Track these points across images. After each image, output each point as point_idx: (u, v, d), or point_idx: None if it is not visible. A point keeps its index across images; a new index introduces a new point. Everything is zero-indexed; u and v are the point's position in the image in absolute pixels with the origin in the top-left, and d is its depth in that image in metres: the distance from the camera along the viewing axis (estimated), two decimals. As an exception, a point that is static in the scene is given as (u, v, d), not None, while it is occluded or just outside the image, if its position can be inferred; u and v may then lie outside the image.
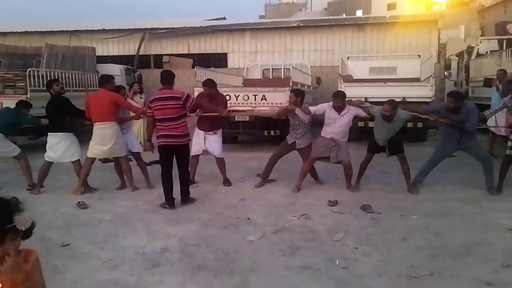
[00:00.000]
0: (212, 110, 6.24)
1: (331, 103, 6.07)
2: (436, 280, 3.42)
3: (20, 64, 11.90)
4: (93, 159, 6.32)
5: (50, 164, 6.28)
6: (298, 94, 6.32)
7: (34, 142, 9.41)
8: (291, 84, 9.22)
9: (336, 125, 6.04)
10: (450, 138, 5.90)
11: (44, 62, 11.23)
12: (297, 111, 6.07)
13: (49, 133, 6.22)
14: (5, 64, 11.76)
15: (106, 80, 6.31)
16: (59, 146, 6.14)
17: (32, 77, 9.73)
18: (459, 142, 5.85)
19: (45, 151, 6.26)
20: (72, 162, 6.23)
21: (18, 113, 6.52)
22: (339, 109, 6.02)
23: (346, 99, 6.13)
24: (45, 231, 4.55)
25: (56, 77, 10.39)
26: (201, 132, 6.47)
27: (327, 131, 6.13)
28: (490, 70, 10.87)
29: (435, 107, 6.38)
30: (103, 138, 6.09)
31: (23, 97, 8.87)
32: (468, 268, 3.61)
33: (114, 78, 6.73)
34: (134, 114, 6.55)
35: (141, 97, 9.76)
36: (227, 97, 9.30)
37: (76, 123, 6.97)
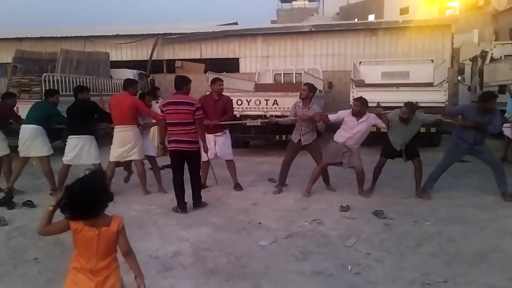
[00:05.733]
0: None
1: (351, 109, 6.05)
2: (450, 287, 3.39)
3: (35, 69, 12.06)
4: (116, 163, 6.38)
5: (69, 166, 6.35)
6: (312, 89, 6.34)
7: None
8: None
9: (353, 131, 5.98)
10: (462, 143, 5.83)
11: (59, 67, 11.40)
12: (320, 124, 6.13)
13: (71, 136, 6.26)
14: (20, 69, 11.93)
15: (130, 84, 6.37)
16: (81, 149, 6.21)
17: (47, 82, 9.86)
18: (470, 148, 5.79)
19: (59, 156, 6.34)
20: (94, 165, 6.31)
21: (49, 104, 6.55)
22: (357, 114, 5.98)
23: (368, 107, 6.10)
24: (60, 234, 4.59)
25: (71, 82, 10.58)
26: (210, 136, 6.46)
27: (342, 135, 6.08)
28: (504, 75, 10.75)
29: (460, 108, 6.31)
30: (123, 140, 6.19)
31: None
32: (483, 275, 3.57)
33: (138, 82, 6.80)
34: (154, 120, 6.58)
35: (156, 102, 9.67)
36: (239, 102, 9.42)
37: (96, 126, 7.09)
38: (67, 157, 6.28)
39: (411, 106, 5.81)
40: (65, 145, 6.35)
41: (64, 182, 6.37)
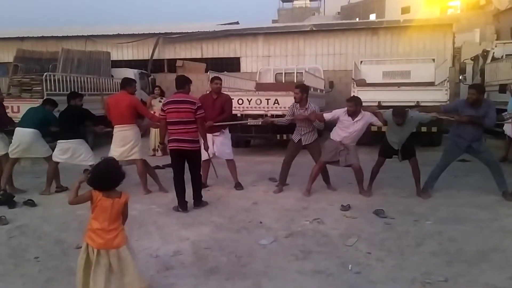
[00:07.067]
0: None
1: (346, 108, 6.05)
2: (450, 286, 3.38)
3: (36, 68, 12.05)
4: None
5: (57, 163, 6.41)
6: (304, 91, 6.32)
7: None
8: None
9: (349, 130, 5.98)
10: (460, 141, 5.82)
11: (60, 66, 11.41)
12: (316, 123, 6.14)
13: (61, 141, 6.31)
14: (22, 69, 11.93)
15: (127, 83, 6.38)
16: (72, 153, 6.28)
17: (48, 81, 9.88)
18: (468, 146, 5.79)
19: None
20: (90, 165, 6.31)
21: (46, 110, 6.59)
22: (352, 114, 5.97)
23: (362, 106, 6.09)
24: (61, 233, 4.62)
25: (72, 81, 10.59)
26: (209, 135, 6.40)
27: (338, 134, 6.08)
28: (505, 74, 10.75)
29: (454, 104, 6.30)
30: (123, 139, 6.20)
31: (40, 101, 9.04)
32: (483, 274, 3.57)
33: (135, 81, 6.80)
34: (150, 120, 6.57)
35: (160, 101, 9.42)
36: (240, 101, 9.42)
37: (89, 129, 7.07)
38: (58, 159, 6.36)
39: (400, 112, 5.78)
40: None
41: (54, 178, 6.41)
